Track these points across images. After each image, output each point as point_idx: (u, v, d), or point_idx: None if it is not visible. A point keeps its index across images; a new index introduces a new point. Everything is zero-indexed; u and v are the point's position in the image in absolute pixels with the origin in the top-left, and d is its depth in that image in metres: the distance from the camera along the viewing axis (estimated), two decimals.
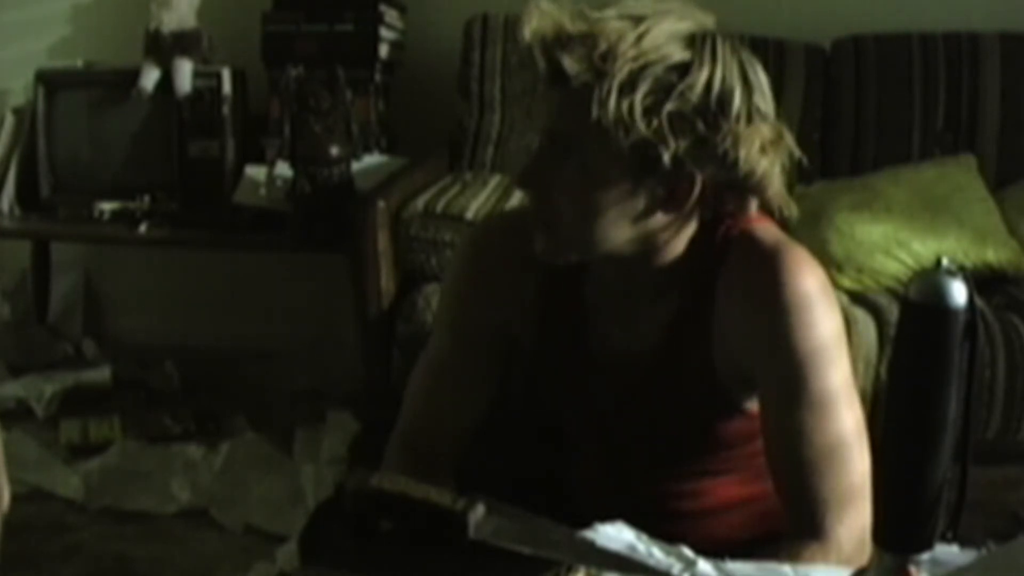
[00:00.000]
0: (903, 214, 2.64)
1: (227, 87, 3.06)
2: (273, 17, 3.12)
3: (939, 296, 0.91)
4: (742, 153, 1.19)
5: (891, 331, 2.31)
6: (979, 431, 2.33)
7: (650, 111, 1.16)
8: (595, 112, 1.16)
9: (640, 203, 1.22)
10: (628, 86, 1.16)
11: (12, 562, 2.15)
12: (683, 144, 1.17)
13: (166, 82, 3.05)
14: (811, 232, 2.59)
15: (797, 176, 3.26)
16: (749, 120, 1.20)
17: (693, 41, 1.19)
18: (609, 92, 1.15)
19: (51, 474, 2.65)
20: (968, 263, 2.56)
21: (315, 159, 2.85)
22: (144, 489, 2.62)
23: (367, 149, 3.02)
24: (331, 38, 3.08)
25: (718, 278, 1.28)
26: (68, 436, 2.83)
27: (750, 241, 1.28)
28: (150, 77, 3.05)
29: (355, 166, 2.92)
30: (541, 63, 1.20)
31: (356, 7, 3.09)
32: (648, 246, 1.27)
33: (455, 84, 3.14)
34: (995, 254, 2.62)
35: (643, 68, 1.16)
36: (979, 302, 0.92)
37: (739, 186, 1.23)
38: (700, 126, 1.18)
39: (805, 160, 1.30)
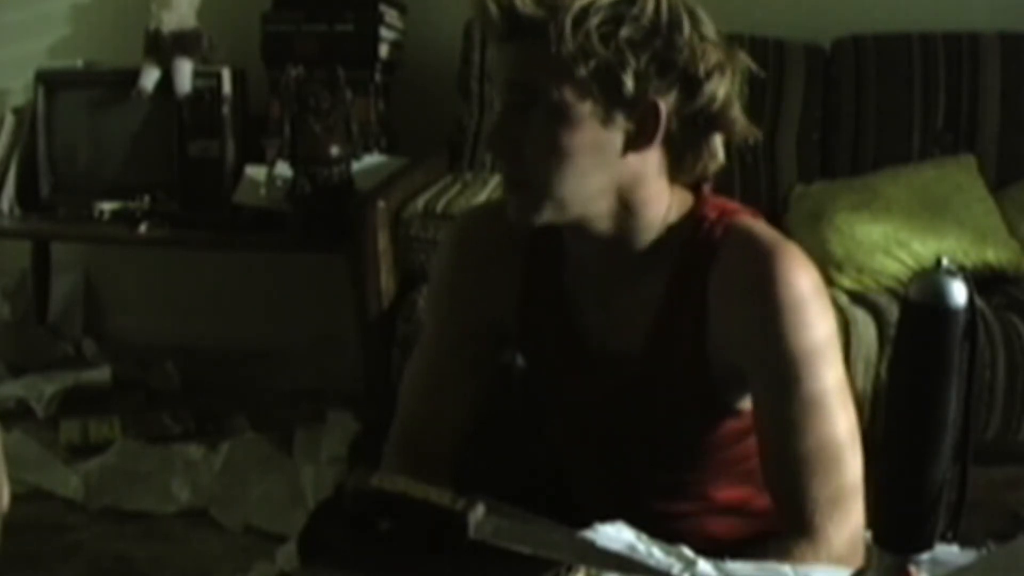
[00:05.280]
0: (903, 214, 2.64)
1: (227, 87, 3.07)
2: (273, 17, 3.12)
3: (939, 296, 0.91)
4: (701, 68, 1.22)
5: (891, 331, 2.31)
6: (979, 431, 2.33)
7: (606, 37, 1.19)
8: (553, 47, 1.19)
9: (609, 143, 1.23)
10: (581, 17, 1.19)
11: (12, 562, 2.15)
12: (643, 61, 1.20)
13: (166, 82, 3.05)
14: (811, 232, 2.60)
15: (797, 176, 3.28)
16: (701, 40, 1.23)
17: None
18: (563, 24, 1.19)
19: (51, 474, 2.65)
20: (968, 263, 2.57)
21: (315, 159, 2.85)
22: (144, 489, 2.61)
23: (367, 149, 3.02)
24: (331, 38, 3.08)
25: (710, 274, 1.28)
26: (68, 436, 2.83)
27: (744, 238, 1.28)
28: (150, 77, 3.05)
29: (355, 166, 2.92)
30: (494, 15, 1.21)
31: (356, 7, 3.10)
32: (623, 208, 1.27)
33: (455, 84, 3.15)
34: (995, 254, 2.62)
35: (593, 2, 1.20)
36: (979, 302, 0.92)
37: (703, 114, 1.24)
38: (657, 43, 1.21)
39: (760, 72, 1.31)
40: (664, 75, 1.21)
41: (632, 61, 1.19)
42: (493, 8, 1.21)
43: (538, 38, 1.20)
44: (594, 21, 1.19)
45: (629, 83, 1.20)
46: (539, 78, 1.21)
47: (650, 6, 1.21)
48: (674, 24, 1.21)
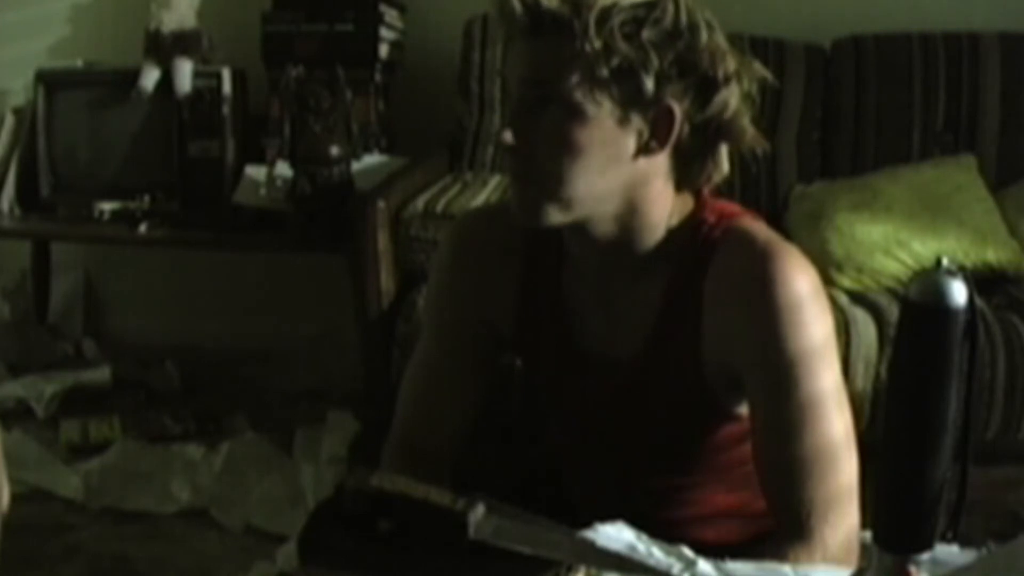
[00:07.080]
0: (903, 214, 2.64)
1: (227, 87, 3.07)
2: (273, 17, 3.12)
3: (939, 296, 0.91)
4: (720, 73, 1.22)
5: (891, 331, 2.31)
6: (979, 431, 2.33)
7: (629, 37, 1.20)
8: (578, 44, 1.19)
9: (622, 144, 1.23)
10: (605, 16, 1.20)
11: (12, 562, 2.15)
12: (666, 62, 1.20)
13: (166, 82, 3.05)
14: (811, 232, 2.59)
15: (797, 176, 3.28)
16: (719, 47, 1.24)
17: None
18: (588, 22, 1.19)
19: (51, 474, 2.65)
20: (968, 263, 2.56)
21: (315, 159, 2.85)
22: (144, 489, 2.61)
23: (367, 149, 3.02)
24: (331, 38, 3.08)
25: (706, 276, 1.28)
26: (68, 436, 2.83)
27: (741, 239, 1.28)
28: (150, 77, 3.05)
29: (355, 166, 2.92)
30: (518, 10, 1.21)
31: (356, 7, 3.09)
32: (629, 210, 1.26)
33: (455, 84, 3.14)
34: (995, 254, 2.62)
35: (615, 3, 1.21)
36: (979, 302, 0.92)
37: (714, 123, 1.24)
38: (679, 44, 1.21)
39: (775, 83, 1.32)
40: (684, 78, 1.22)
41: (655, 61, 1.20)
42: (517, 4, 1.21)
43: (560, 35, 1.20)
44: (617, 20, 1.19)
45: (649, 84, 1.20)
46: (558, 75, 1.21)
47: (671, 9, 1.21)
48: (694, 28, 1.22)
